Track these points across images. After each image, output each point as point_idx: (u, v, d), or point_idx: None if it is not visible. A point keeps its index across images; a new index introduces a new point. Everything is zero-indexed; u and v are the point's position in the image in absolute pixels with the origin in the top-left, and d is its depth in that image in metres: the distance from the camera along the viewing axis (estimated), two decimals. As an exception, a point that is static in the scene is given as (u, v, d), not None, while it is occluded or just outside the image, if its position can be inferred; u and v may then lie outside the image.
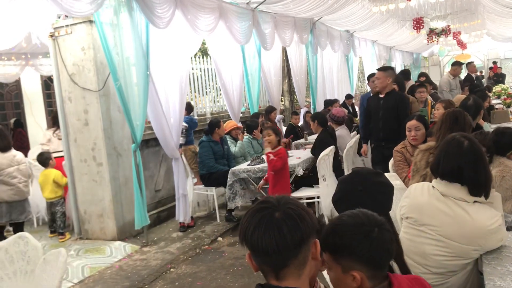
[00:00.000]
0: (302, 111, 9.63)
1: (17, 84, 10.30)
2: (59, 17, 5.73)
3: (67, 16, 5.62)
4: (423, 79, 8.52)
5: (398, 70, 17.85)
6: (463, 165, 2.20)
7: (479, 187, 2.20)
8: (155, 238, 5.88)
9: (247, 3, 7.54)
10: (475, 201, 2.21)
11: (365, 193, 1.90)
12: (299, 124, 9.03)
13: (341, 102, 10.90)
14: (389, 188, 1.99)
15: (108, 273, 4.93)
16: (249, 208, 1.39)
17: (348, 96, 11.46)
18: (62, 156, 6.12)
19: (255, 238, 1.29)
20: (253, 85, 8.08)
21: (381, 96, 5.56)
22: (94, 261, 5.20)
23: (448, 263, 2.19)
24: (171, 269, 4.94)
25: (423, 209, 2.23)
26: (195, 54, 8.54)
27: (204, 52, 10.51)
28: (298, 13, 8.63)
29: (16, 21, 5.49)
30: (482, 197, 2.21)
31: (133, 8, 5.34)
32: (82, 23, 5.58)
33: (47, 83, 10.64)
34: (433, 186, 2.30)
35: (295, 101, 11.40)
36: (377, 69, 5.87)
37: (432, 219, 2.22)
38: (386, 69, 5.66)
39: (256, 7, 7.66)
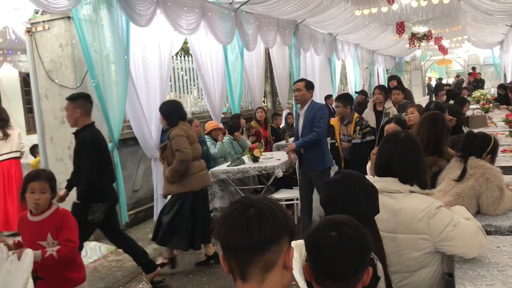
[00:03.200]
0: (284, 113, 9.62)
1: (-6, 80, 10.07)
2: (36, 13, 5.62)
3: (45, 12, 5.51)
4: (394, 83, 7.92)
5: (380, 73, 18.05)
6: (393, 155, 2.25)
7: (408, 175, 2.23)
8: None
9: (230, 3, 7.50)
10: (411, 191, 2.22)
11: (361, 196, 1.88)
12: (281, 126, 9.01)
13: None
14: (377, 191, 1.99)
15: (82, 274, 4.82)
16: (230, 202, 1.37)
17: (328, 96, 11.55)
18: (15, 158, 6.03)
19: (223, 232, 1.27)
20: (235, 86, 8.04)
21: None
22: (68, 262, 5.08)
23: (402, 258, 2.17)
24: (147, 271, 4.85)
25: None
26: (178, 53, 8.48)
27: (186, 51, 10.43)
28: (281, 15, 8.62)
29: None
30: (416, 187, 2.23)
31: (112, 5, 5.27)
32: (60, 19, 5.48)
33: (26, 80, 10.40)
34: None
35: (277, 102, 11.39)
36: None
37: None
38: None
39: (239, 7, 7.64)
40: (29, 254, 2.55)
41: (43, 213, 2.95)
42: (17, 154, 6.14)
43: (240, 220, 1.25)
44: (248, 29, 7.97)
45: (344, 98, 5.91)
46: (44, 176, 2.97)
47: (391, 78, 8.87)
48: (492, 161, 2.87)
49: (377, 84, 11.69)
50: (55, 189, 3.04)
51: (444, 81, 19.71)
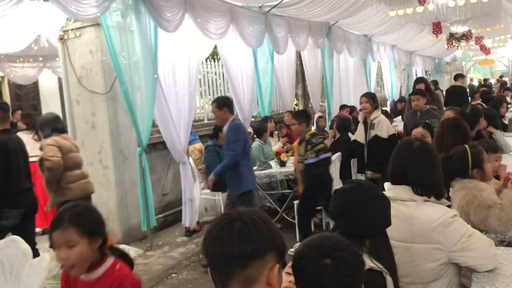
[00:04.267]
0: (316, 116, 9.50)
1: (34, 86, 10.48)
2: (69, 20, 5.78)
3: (76, 19, 5.66)
4: (421, 86, 7.22)
5: (419, 75, 17.59)
6: (407, 165, 2.16)
7: (423, 186, 2.13)
8: (160, 243, 5.85)
9: (260, 7, 7.47)
10: (426, 201, 2.13)
11: (371, 207, 1.82)
12: (313, 129, 8.89)
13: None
14: (389, 202, 1.91)
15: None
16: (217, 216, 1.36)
17: (343, 107, 11.37)
18: None
19: (207, 243, 1.27)
20: (265, 89, 8.00)
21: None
22: (97, 264, 5.17)
23: (416, 270, 2.08)
24: (173, 275, 4.89)
25: None
26: (212, 57, 8.55)
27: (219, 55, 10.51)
28: (312, 17, 8.52)
29: (27, 24, 5.57)
30: (433, 198, 2.14)
31: (141, 11, 5.34)
32: (90, 26, 5.61)
33: (64, 85, 10.77)
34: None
35: (309, 106, 11.28)
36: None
37: None
38: None
39: (269, 10, 7.60)
40: (45, 259, 2.59)
41: (93, 270, 1.93)
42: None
43: (224, 233, 1.24)
44: (279, 32, 7.91)
45: (299, 114, 5.35)
46: (69, 219, 1.85)
47: (417, 81, 8.07)
48: (482, 171, 2.67)
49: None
50: (99, 232, 1.95)
51: (491, 81, 19.02)
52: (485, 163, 2.68)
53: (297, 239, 5.48)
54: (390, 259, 1.87)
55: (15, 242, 3.05)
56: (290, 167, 5.97)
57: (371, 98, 5.59)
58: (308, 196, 5.14)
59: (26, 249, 2.99)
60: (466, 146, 2.71)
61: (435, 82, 11.32)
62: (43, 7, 5.30)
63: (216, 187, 6.16)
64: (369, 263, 1.74)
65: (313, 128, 9.01)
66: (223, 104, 4.79)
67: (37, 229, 6.05)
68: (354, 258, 1.42)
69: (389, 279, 1.77)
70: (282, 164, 6.02)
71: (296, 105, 11.24)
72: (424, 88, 7.22)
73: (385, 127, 5.40)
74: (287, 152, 6.19)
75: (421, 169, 2.14)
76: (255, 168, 6.08)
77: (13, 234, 4.09)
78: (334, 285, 1.37)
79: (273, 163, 6.16)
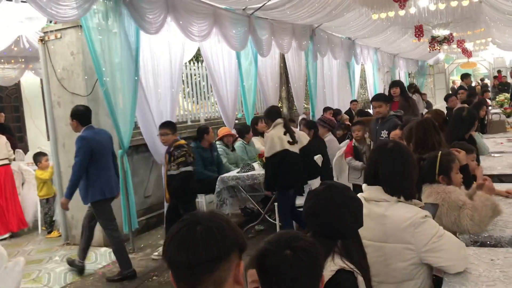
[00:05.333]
0: (299, 118, 9.54)
1: (16, 87, 10.36)
2: (50, 22, 5.73)
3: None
4: (396, 91, 7.00)
5: (402, 77, 17.78)
6: (379, 165, 2.21)
7: (393, 186, 2.18)
8: (142, 245, 5.83)
9: (243, 9, 7.50)
10: (398, 201, 2.17)
11: (342, 208, 1.84)
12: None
13: (345, 109, 10.94)
14: (361, 204, 1.95)
15: (91, 280, 4.88)
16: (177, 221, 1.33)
17: (353, 101, 11.64)
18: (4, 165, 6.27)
19: (169, 251, 1.25)
20: (248, 91, 8.02)
21: None
22: (77, 267, 5.14)
23: (388, 269, 2.12)
24: (154, 277, 4.87)
25: None
26: (196, 59, 8.54)
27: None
28: (296, 20, 8.57)
29: (6, 25, 5.51)
30: (402, 198, 2.18)
31: (122, 13, 5.32)
32: (71, 28, 5.58)
33: (47, 87, 10.66)
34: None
35: (294, 108, 11.33)
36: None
37: None
38: None
39: (252, 13, 7.62)
40: (20, 263, 2.57)
41: None
42: (6, 162, 6.36)
43: (187, 239, 1.22)
44: (262, 34, 7.94)
45: (170, 125, 5.25)
46: None
47: (392, 85, 7.43)
48: (449, 179, 2.69)
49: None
50: None
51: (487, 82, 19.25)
52: (453, 172, 2.70)
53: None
54: (362, 259, 1.90)
55: (-8, 245, 3.03)
56: (272, 169, 5.99)
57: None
58: (172, 205, 5.19)
59: (2, 253, 2.97)
60: (440, 152, 2.75)
61: (411, 86, 11.31)
62: (23, 8, 5.25)
63: (198, 189, 6.18)
64: (340, 263, 1.76)
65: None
66: (74, 115, 4.72)
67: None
68: (312, 246, 1.48)
69: (360, 279, 1.79)
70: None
71: (280, 107, 11.28)
72: (399, 92, 6.96)
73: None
74: None
75: (390, 169, 2.19)
76: (237, 170, 6.10)
77: None
78: (295, 274, 1.41)
79: (256, 165, 6.17)
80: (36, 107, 10.54)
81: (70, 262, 5.02)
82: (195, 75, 8.67)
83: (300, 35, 9.18)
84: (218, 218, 1.28)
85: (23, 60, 9.01)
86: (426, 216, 2.10)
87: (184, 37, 6.23)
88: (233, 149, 6.87)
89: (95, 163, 4.62)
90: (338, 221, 1.84)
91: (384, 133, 5.02)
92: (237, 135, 7.09)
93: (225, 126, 7.40)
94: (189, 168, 5.11)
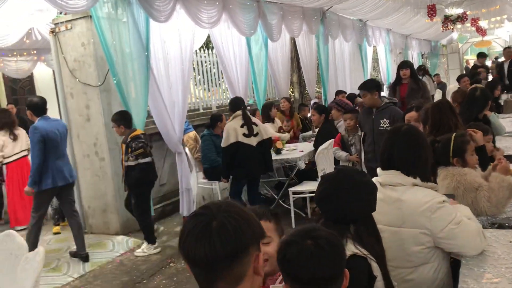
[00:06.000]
0: (311, 103, 9.49)
1: (29, 79, 10.44)
2: (60, 13, 5.74)
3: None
4: (406, 73, 6.70)
5: (415, 58, 17.53)
6: (394, 148, 2.21)
7: (409, 169, 2.17)
8: (159, 232, 5.88)
9: (252, -6, 7.43)
10: (415, 185, 2.15)
11: (351, 193, 1.84)
12: (308, 116, 8.89)
13: (358, 93, 10.80)
14: (374, 188, 1.93)
15: (109, 267, 4.96)
16: (192, 213, 1.32)
17: (339, 92, 11.38)
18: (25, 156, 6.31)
19: (187, 246, 1.22)
20: (259, 77, 7.98)
21: None
22: (96, 255, 5.22)
23: (404, 253, 2.11)
24: (171, 264, 4.94)
25: None
26: (206, 46, 8.52)
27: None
28: (306, 3, 8.46)
29: (18, 18, 5.54)
30: (418, 179, 2.16)
31: (131, 2, 5.31)
32: (81, 18, 5.58)
33: (60, 78, 10.74)
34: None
35: (305, 92, 11.26)
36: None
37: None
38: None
39: (262, -3, 7.55)
40: (40, 253, 2.62)
41: None
42: (26, 153, 6.42)
43: (203, 236, 1.20)
44: (272, 19, 7.87)
45: (116, 117, 5.19)
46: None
47: (401, 66, 6.99)
48: (463, 161, 2.65)
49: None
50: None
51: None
52: (468, 153, 2.67)
53: (293, 225, 5.53)
54: (376, 244, 1.89)
55: (11, 236, 3.07)
56: (285, 155, 6.00)
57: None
58: (134, 198, 5.21)
59: (21, 243, 3.02)
60: (454, 134, 2.72)
61: (420, 68, 11.07)
62: (33, 0, 5.26)
63: (212, 175, 6.21)
64: (353, 249, 1.76)
65: (309, 114, 9.03)
66: (29, 106, 4.99)
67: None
68: (334, 237, 1.48)
69: (374, 265, 1.78)
70: (278, 151, 6.04)
71: (291, 92, 11.23)
72: (409, 74, 6.69)
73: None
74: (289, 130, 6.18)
75: (405, 150, 2.18)
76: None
77: None
78: (317, 263, 1.40)
79: (269, 151, 6.16)
80: (49, 98, 10.55)
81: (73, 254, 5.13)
82: (205, 62, 8.66)
83: (310, 19, 9.07)
84: (233, 211, 1.25)
85: (35, 52, 9.06)
86: (444, 201, 2.08)
87: (194, 24, 6.20)
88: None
89: (47, 153, 4.78)
90: (347, 206, 1.83)
91: (384, 122, 4.75)
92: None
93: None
94: (148, 159, 5.11)
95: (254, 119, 5.52)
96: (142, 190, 5.20)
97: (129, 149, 5.05)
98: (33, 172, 4.77)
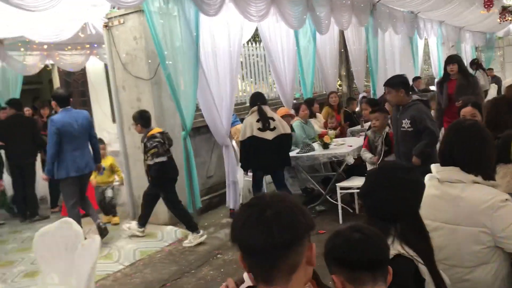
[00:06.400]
0: (360, 97, 9.32)
1: (83, 72, 10.79)
2: (113, 8, 5.89)
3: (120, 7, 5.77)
4: (453, 68, 6.22)
5: (468, 52, 16.87)
6: (454, 144, 2.12)
7: (470, 166, 2.07)
8: (205, 224, 5.97)
9: (301, -13, 7.35)
10: (475, 182, 2.05)
11: (391, 190, 1.79)
12: (356, 110, 8.74)
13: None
14: (419, 186, 1.87)
15: (158, 257, 5.07)
16: (243, 204, 1.33)
17: (416, 78, 11.07)
18: None
19: (243, 235, 1.23)
20: (307, 71, 7.92)
21: None
22: (145, 244, 5.36)
23: (462, 252, 2.02)
24: (218, 255, 4.99)
25: (423, 202, 2.06)
26: (253, 39, 8.54)
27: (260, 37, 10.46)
28: (356, -5, 8.32)
29: (74, 13, 5.72)
30: (480, 177, 2.05)
31: (182, -4, 5.38)
32: (134, 13, 5.70)
33: (111, 72, 11.07)
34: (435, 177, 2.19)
35: (353, 86, 11.08)
36: None
37: (429, 209, 2.05)
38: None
39: (311, -10, 7.46)
40: (96, 241, 2.71)
41: None
42: None
43: (259, 224, 1.20)
44: (321, 12, 7.77)
45: (135, 116, 5.29)
46: None
47: (448, 61, 6.45)
48: None
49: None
50: None
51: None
52: None
53: (340, 221, 5.47)
54: (425, 243, 1.81)
55: (68, 224, 3.20)
56: (333, 149, 5.93)
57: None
58: (161, 193, 5.34)
59: (78, 231, 3.14)
60: None
61: (473, 62, 10.56)
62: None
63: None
64: (399, 248, 1.70)
65: (357, 108, 8.88)
66: (53, 97, 5.37)
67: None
68: (377, 232, 1.54)
69: (423, 269, 1.70)
70: (325, 146, 5.97)
71: (339, 85, 11.07)
72: (457, 69, 6.23)
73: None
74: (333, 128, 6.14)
75: (466, 146, 2.10)
76: (297, 150, 6.07)
77: None
78: (363, 246, 1.46)
79: (316, 145, 6.11)
80: (101, 91, 10.96)
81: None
82: (252, 55, 8.67)
83: (359, 11, 8.90)
84: (286, 201, 1.26)
85: (88, 46, 9.36)
86: (506, 199, 1.98)
87: (243, 17, 6.21)
88: (292, 130, 6.83)
89: (63, 143, 5.07)
90: (387, 203, 1.78)
91: (405, 123, 4.46)
92: (295, 115, 7.03)
93: (283, 106, 7.37)
94: (163, 158, 5.13)
95: (272, 114, 5.63)
96: (164, 187, 5.30)
97: (145, 149, 5.20)
98: (47, 161, 5.13)
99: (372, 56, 9.72)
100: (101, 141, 6.13)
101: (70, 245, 3.10)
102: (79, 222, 4.92)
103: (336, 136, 6.79)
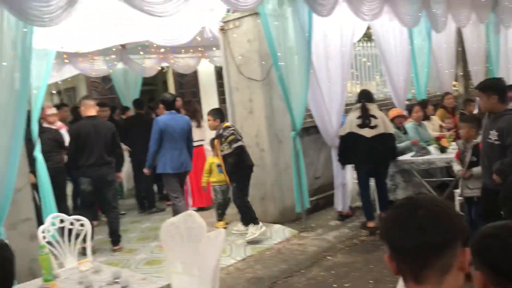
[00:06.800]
0: (478, 98, 8.68)
1: (194, 74, 11.35)
2: (228, 11, 6.11)
3: (235, 10, 5.97)
4: None
5: None
6: None
7: None
8: (313, 225, 5.96)
9: (417, -16, 7.04)
10: None
11: None
12: (474, 112, 8.15)
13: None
14: None
15: (268, 254, 5.17)
16: (395, 204, 1.32)
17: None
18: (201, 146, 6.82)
19: (394, 234, 1.24)
20: (421, 70, 7.56)
21: None
22: (255, 241, 5.49)
23: None
24: (328, 257, 4.96)
25: None
26: (360, 39, 8.36)
27: (370, 37, 10.19)
28: (476, -10, 7.78)
29: (191, 17, 6.02)
30: None
31: (296, -3, 5.42)
32: (248, 16, 5.87)
33: (220, 73, 11.51)
34: None
35: (470, 86, 10.36)
36: None
37: None
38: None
39: (427, -14, 7.12)
40: (221, 234, 2.82)
41: None
42: (202, 143, 6.99)
43: (411, 223, 1.21)
44: (437, 9, 7.37)
45: (214, 112, 5.74)
46: None
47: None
48: None
49: None
50: None
51: None
52: None
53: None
54: None
55: (192, 217, 3.37)
56: (451, 153, 5.59)
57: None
58: (235, 182, 5.58)
59: (201, 223, 3.29)
60: None
61: None
62: (205, 0, 5.68)
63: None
64: None
65: (476, 111, 8.28)
66: (162, 101, 6.28)
67: (194, 208, 6.65)
68: None
69: None
70: (443, 150, 5.66)
71: (455, 86, 10.43)
72: None
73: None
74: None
75: None
76: (412, 153, 5.83)
77: (95, 199, 5.72)
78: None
79: (432, 148, 5.82)
80: (210, 92, 11.48)
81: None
82: (359, 55, 8.49)
83: (480, 6, 8.30)
84: (440, 202, 1.26)
85: (200, 49, 9.81)
86: None
87: (355, 17, 6.10)
88: (405, 131, 6.56)
89: (164, 142, 5.59)
90: None
91: (492, 134, 3.93)
92: (408, 116, 6.74)
93: (394, 107, 7.11)
94: (240, 142, 5.48)
95: (375, 112, 5.54)
96: (241, 174, 5.55)
97: (222, 139, 5.51)
98: (148, 156, 5.71)
99: (492, 55, 9.02)
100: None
101: (193, 237, 3.27)
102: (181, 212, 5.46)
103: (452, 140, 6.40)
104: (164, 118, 5.75)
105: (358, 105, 5.60)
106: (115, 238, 5.64)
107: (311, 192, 6.49)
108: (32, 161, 4.75)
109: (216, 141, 5.83)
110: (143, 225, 6.70)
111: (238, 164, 5.46)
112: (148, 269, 4.94)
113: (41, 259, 2.90)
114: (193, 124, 6.56)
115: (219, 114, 5.74)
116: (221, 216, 6.23)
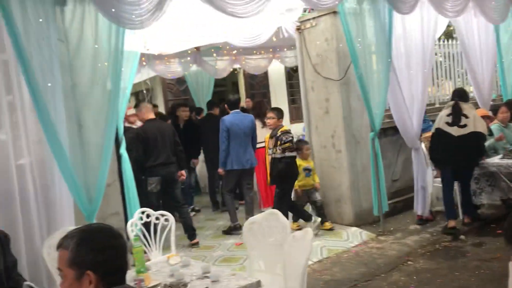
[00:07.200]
0: None
1: (265, 75, 11.43)
2: (305, 11, 6.08)
3: (312, 10, 5.94)
4: None
5: None
6: None
7: None
8: (391, 228, 5.79)
9: (504, -23, 6.66)
10: None
11: None
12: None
13: None
14: None
15: (345, 256, 5.08)
16: None
17: None
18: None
19: None
20: (508, 69, 7.14)
21: None
22: (331, 243, 5.43)
23: None
24: (409, 262, 4.79)
25: None
26: (449, 37, 8.02)
27: (449, 34, 9.74)
28: None
29: (268, 18, 6.05)
30: None
31: (376, -5, 5.29)
32: (326, 15, 5.81)
33: (290, 74, 11.53)
34: None
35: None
36: None
37: None
38: None
39: (516, -22, 6.71)
40: (309, 233, 2.80)
41: None
42: (263, 144, 6.76)
43: None
44: (526, 3, 6.94)
45: (278, 111, 5.85)
46: None
47: None
48: None
49: None
50: None
51: None
52: None
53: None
54: None
55: (274, 215, 3.38)
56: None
57: None
58: (277, 185, 5.72)
59: (284, 222, 3.29)
60: None
61: None
62: (283, 0, 5.68)
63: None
64: None
65: None
66: (226, 101, 6.66)
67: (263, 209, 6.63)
68: None
69: None
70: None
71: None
72: None
73: None
74: None
75: None
76: (499, 156, 5.52)
77: (161, 199, 5.78)
78: None
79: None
80: (280, 92, 11.53)
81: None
82: (435, 54, 8.13)
83: None
84: None
85: (271, 50, 9.86)
86: None
87: (437, 13, 5.86)
88: (490, 133, 6.21)
89: (230, 140, 5.97)
90: None
91: None
92: (494, 117, 6.38)
93: (479, 107, 6.75)
94: (294, 153, 5.65)
95: (468, 112, 5.35)
96: (285, 182, 5.67)
97: (279, 142, 5.59)
98: (220, 155, 6.05)
99: None
100: (305, 142, 6.17)
101: (276, 236, 3.27)
102: (233, 204, 6.21)
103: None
104: (229, 117, 6.12)
105: (451, 102, 5.51)
106: (191, 233, 5.78)
107: (388, 195, 6.27)
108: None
109: (268, 138, 5.93)
110: (218, 222, 6.82)
111: (284, 172, 5.62)
112: (225, 266, 5.01)
113: (135, 251, 3.01)
114: (259, 124, 6.61)
115: (281, 113, 5.92)
116: (309, 218, 5.87)
